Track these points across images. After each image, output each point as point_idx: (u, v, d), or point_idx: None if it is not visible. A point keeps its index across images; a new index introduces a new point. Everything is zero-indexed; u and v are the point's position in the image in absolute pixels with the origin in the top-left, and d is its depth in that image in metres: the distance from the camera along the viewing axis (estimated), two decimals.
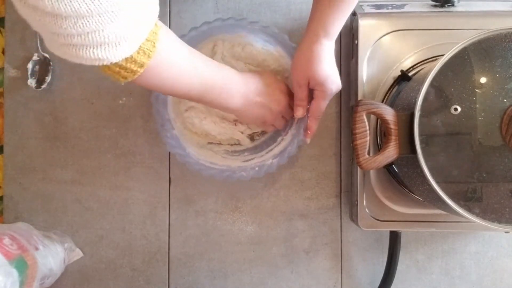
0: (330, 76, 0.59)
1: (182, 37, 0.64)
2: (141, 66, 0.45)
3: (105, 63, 0.42)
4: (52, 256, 0.68)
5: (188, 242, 0.74)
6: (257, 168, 0.65)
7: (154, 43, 0.44)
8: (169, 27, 0.74)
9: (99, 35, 0.38)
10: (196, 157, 0.67)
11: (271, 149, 0.68)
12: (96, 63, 0.41)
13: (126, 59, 0.43)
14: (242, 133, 0.70)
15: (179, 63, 0.50)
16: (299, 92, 0.62)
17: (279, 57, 0.68)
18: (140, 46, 0.43)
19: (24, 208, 0.75)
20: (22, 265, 0.62)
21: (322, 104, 0.61)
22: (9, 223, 0.73)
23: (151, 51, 0.44)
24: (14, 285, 0.59)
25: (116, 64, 0.43)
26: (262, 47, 0.68)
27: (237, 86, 0.58)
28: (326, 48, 0.58)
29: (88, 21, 0.37)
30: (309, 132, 0.64)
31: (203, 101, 0.57)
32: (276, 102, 0.62)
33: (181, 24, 0.74)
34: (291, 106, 0.64)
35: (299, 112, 0.63)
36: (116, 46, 0.40)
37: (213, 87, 0.55)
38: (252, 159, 0.68)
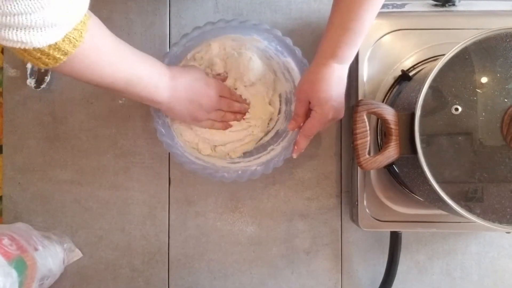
0: (331, 101, 0.58)
1: (183, 36, 0.64)
2: (65, 54, 0.44)
3: (27, 47, 0.41)
4: (52, 257, 0.68)
5: (188, 243, 0.74)
6: (240, 172, 0.65)
7: (81, 32, 0.44)
8: (169, 27, 0.74)
9: (26, 18, 0.38)
10: (182, 150, 0.67)
11: (259, 157, 0.68)
12: (18, 46, 0.41)
13: (50, 45, 0.42)
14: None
15: (105, 55, 0.50)
16: (297, 107, 0.62)
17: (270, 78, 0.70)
18: (66, 34, 0.43)
19: (23, 209, 0.74)
20: (21, 265, 0.61)
21: (315, 125, 0.60)
22: (9, 224, 0.73)
23: (77, 40, 0.44)
24: (13, 285, 0.59)
25: (37, 50, 0.42)
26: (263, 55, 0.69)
27: (164, 80, 0.58)
28: (334, 71, 0.56)
29: (17, 3, 0.36)
30: (296, 148, 0.63)
31: (128, 93, 0.56)
32: (206, 98, 0.63)
33: (181, 24, 0.74)
34: (233, 100, 0.67)
35: (291, 126, 0.64)
36: (42, 31, 0.40)
37: (139, 80, 0.55)
38: (238, 162, 0.68)
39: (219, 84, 0.67)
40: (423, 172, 0.50)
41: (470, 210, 0.50)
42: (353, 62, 0.68)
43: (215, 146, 0.70)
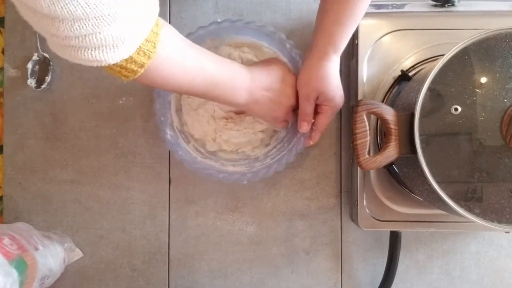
0: (339, 92, 0.60)
1: (188, 35, 0.64)
2: (141, 66, 0.45)
3: (103, 64, 0.42)
4: (52, 256, 0.68)
5: (188, 242, 0.74)
6: (248, 174, 0.65)
7: (154, 43, 0.44)
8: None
9: (95, 37, 0.38)
10: (184, 147, 0.67)
11: (265, 158, 0.69)
12: (95, 64, 0.41)
13: (126, 59, 0.43)
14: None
15: (181, 62, 0.50)
16: (307, 106, 0.61)
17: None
18: (139, 46, 0.43)
19: (24, 208, 0.75)
20: (21, 265, 0.61)
21: (329, 118, 0.62)
22: (9, 223, 0.73)
23: (151, 52, 0.44)
24: (14, 285, 0.59)
25: (116, 64, 0.43)
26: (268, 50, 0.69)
27: (242, 81, 0.58)
28: (335, 63, 0.58)
29: (84, 24, 0.37)
30: (311, 143, 0.64)
31: (208, 97, 0.57)
32: (286, 97, 0.62)
33: (181, 24, 0.74)
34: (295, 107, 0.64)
35: (304, 127, 0.63)
36: (113, 48, 0.40)
37: (217, 84, 0.55)
38: (242, 164, 0.69)
39: (295, 80, 0.63)
40: (422, 172, 0.50)
41: (469, 210, 0.51)
42: (353, 62, 0.68)
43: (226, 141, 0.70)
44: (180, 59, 0.50)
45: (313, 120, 0.63)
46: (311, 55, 0.59)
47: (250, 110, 0.61)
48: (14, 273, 0.59)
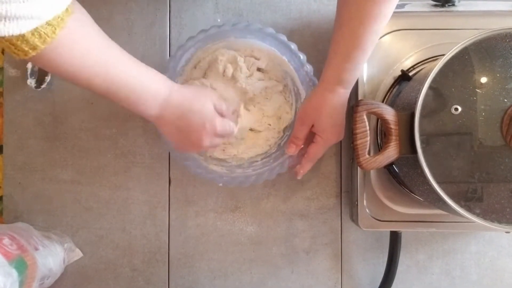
0: (335, 127, 0.60)
1: (189, 39, 0.65)
2: (34, 48, 0.42)
3: None
4: (52, 256, 0.68)
5: (188, 242, 0.74)
6: (249, 177, 0.66)
7: (55, 29, 0.41)
8: (169, 27, 0.74)
9: None
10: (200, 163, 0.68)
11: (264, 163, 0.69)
12: None
13: (17, 37, 0.40)
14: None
15: (81, 56, 0.46)
16: (299, 131, 0.62)
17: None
18: (36, 27, 0.40)
19: (24, 208, 0.74)
20: (21, 265, 0.61)
21: (320, 149, 0.62)
22: (9, 223, 0.73)
23: (48, 37, 0.41)
24: (13, 285, 0.59)
25: (5, 38, 0.40)
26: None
27: (157, 94, 0.54)
28: (339, 96, 0.58)
29: None
30: (301, 172, 0.65)
31: (112, 99, 0.52)
32: (197, 135, 0.57)
33: (181, 24, 0.74)
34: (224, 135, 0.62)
35: (291, 150, 0.63)
36: (4, 20, 0.37)
37: (122, 88, 0.51)
38: (243, 168, 0.69)
39: (216, 121, 0.59)
40: (423, 172, 0.50)
41: (469, 210, 0.51)
42: None
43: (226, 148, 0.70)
44: (81, 53, 0.46)
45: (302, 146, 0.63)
46: (318, 84, 0.59)
47: (157, 126, 0.58)
48: (14, 273, 0.59)
